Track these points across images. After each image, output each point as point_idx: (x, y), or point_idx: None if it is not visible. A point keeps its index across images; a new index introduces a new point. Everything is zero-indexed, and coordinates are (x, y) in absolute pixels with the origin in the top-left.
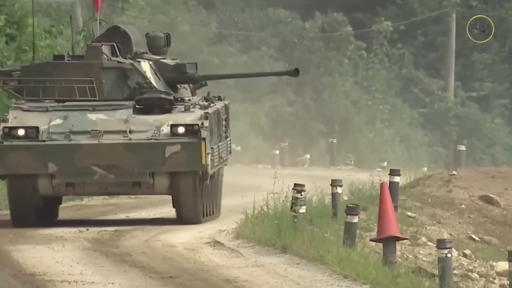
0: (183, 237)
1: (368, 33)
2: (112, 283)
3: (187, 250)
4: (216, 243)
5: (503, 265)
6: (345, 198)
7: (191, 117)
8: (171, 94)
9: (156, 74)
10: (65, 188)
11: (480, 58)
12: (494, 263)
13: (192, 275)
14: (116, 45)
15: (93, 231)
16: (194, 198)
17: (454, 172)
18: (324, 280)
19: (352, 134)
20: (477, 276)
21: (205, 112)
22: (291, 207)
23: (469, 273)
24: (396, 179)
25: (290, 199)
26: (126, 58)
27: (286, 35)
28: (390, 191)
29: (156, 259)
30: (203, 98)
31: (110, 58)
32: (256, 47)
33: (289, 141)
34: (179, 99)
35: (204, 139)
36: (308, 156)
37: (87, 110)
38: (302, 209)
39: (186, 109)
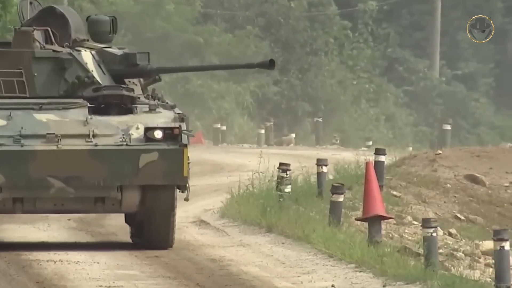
0: None
1: (354, 13)
2: (98, 263)
3: None
4: (202, 223)
5: (488, 244)
6: (331, 177)
7: (162, 119)
8: (133, 90)
9: (99, 66)
10: (12, 204)
11: (466, 38)
12: (479, 242)
13: (178, 254)
14: (51, 30)
15: None
16: (170, 219)
17: (440, 152)
18: (310, 259)
19: (337, 113)
20: (463, 255)
21: (178, 113)
22: (277, 186)
23: (455, 252)
24: (382, 158)
25: (276, 178)
26: (63, 46)
27: (272, 14)
28: (376, 170)
29: None
30: (149, 96)
31: (44, 46)
32: (241, 26)
33: (275, 121)
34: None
35: (186, 145)
36: (293, 135)
37: (32, 109)
38: (288, 189)
39: (152, 109)
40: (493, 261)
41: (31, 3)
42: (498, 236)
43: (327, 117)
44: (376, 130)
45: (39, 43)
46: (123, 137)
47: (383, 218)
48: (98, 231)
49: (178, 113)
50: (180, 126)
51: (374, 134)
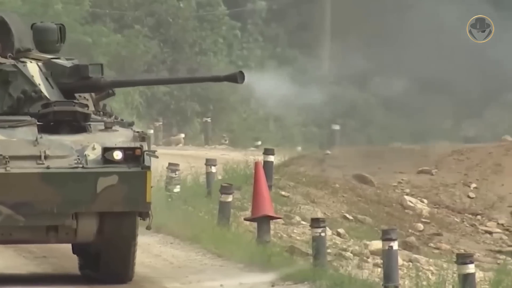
0: None
1: (243, 13)
2: None
3: None
4: None
5: (376, 244)
6: (219, 177)
7: (121, 138)
8: (87, 106)
9: (47, 79)
10: None
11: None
12: (367, 242)
13: (65, 255)
14: None
15: None
16: (131, 249)
17: (328, 152)
18: (198, 259)
19: (226, 113)
20: (351, 255)
21: (137, 132)
22: (166, 186)
23: (343, 252)
24: (270, 158)
25: (165, 178)
26: (6, 57)
27: (161, 14)
28: (264, 171)
29: None
30: (100, 112)
31: None
32: (130, 26)
33: (164, 120)
34: None
35: (149, 167)
36: (182, 135)
37: None
38: (177, 189)
39: (108, 127)
40: (382, 260)
41: None
42: (386, 236)
43: (216, 117)
44: (265, 130)
45: None
46: (78, 159)
47: (272, 218)
48: None
49: (137, 132)
50: (141, 146)
51: (263, 134)
